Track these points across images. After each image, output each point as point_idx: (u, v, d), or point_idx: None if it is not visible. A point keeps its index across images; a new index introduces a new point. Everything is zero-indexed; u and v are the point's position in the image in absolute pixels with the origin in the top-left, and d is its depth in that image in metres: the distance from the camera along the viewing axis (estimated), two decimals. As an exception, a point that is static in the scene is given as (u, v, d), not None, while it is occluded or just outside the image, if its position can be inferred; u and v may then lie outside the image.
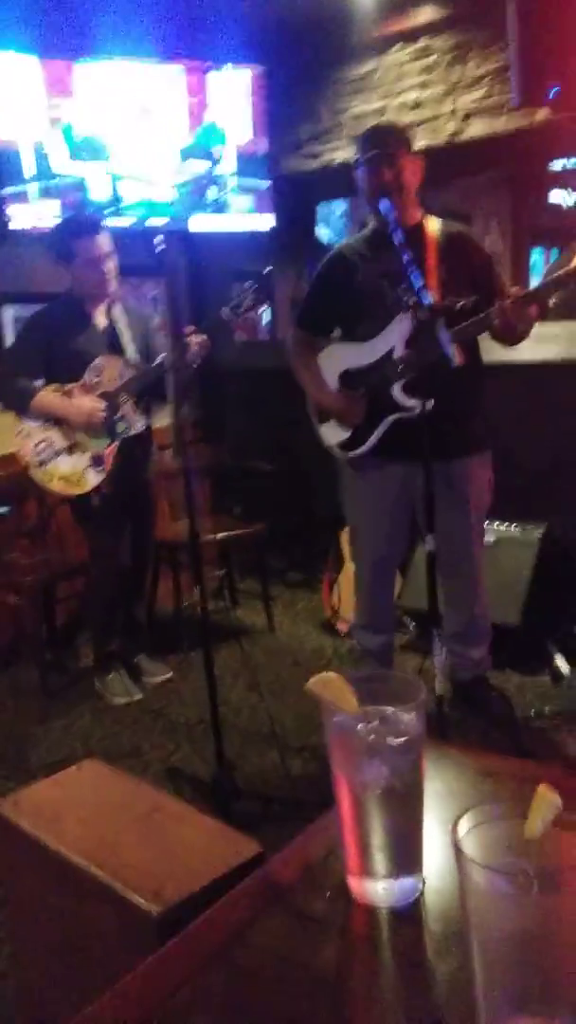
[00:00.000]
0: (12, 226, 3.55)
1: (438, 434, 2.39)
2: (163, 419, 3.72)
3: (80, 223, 3.10)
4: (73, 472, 3.12)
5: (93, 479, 3.13)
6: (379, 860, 0.87)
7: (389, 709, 0.87)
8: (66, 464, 3.12)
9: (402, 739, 0.85)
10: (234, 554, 4.48)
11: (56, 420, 3.11)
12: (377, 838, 0.87)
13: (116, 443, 3.14)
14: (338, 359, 2.79)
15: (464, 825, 0.67)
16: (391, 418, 2.68)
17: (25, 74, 3.47)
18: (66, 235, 3.06)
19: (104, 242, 3.06)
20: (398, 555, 3.08)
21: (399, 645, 3.47)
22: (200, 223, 3.91)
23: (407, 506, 2.81)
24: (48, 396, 3.09)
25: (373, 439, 2.72)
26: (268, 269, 3.46)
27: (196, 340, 2.81)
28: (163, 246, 2.49)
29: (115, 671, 3.43)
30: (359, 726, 0.87)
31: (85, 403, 3.08)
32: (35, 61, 3.48)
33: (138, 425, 3.18)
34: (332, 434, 2.83)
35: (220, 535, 3.84)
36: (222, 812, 2.50)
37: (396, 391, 2.65)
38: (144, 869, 0.97)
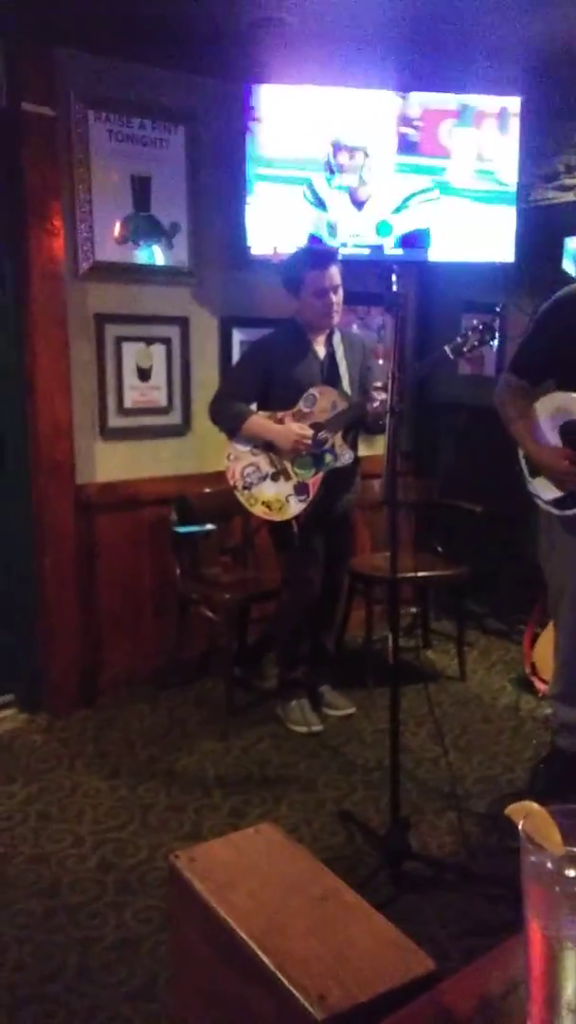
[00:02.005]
0: (254, 252, 3.66)
1: None
2: (374, 448, 3.69)
3: (315, 255, 3.13)
4: (276, 499, 3.15)
5: (295, 507, 3.14)
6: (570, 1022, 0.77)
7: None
8: (270, 490, 3.16)
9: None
10: (431, 593, 4.37)
11: (265, 446, 3.16)
12: (573, 1000, 0.77)
13: (321, 473, 3.14)
14: (560, 409, 2.60)
15: None
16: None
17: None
18: (299, 265, 3.11)
19: (334, 275, 3.08)
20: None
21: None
22: (439, 252, 3.85)
23: None
24: (258, 420, 3.15)
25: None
26: (501, 305, 3.33)
27: (380, 397, 2.84)
28: (397, 284, 2.46)
29: (297, 699, 3.43)
30: (565, 872, 0.77)
31: (293, 429, 3.10)
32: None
33: (344, 458, 3.16)
34: (546, 490, 2.66)
35: (419, 574, 3.75)
36: (391, 869, 2.42)
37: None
38: (311, 965, 0.92)
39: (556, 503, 2.63)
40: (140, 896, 2.38)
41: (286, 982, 0.90)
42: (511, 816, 0.83)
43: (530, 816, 0.81)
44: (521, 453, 2.71)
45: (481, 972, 0.90)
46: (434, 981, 0.94)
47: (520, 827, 0.80)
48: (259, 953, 0.94)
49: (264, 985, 0.92)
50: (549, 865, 0.77)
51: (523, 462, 2.72)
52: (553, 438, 2.60)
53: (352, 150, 3.65)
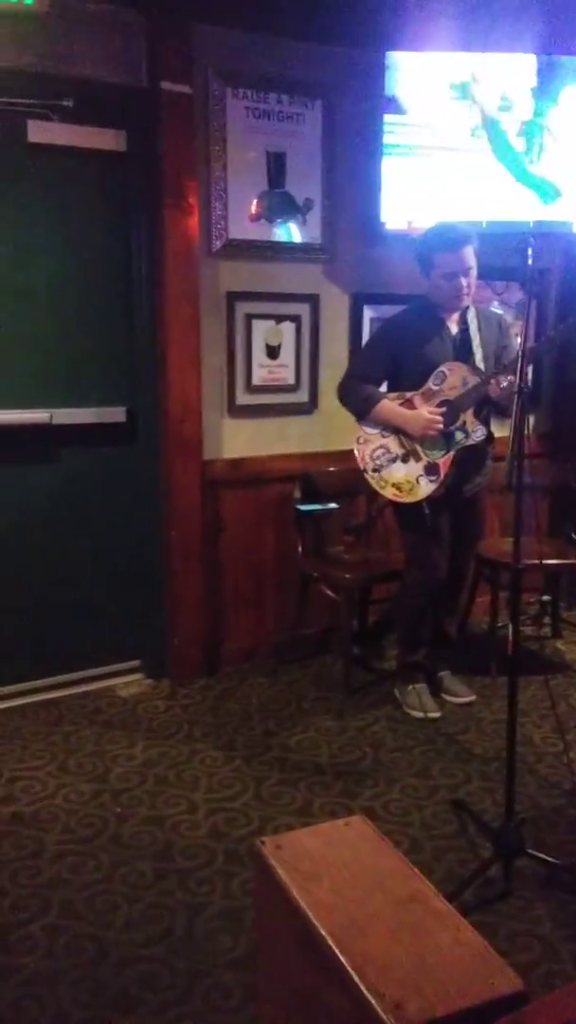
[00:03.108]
0: (389, 226, 3.58)
1: None
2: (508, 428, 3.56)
3: (446, 235, 3.00)
4: (406, 480, 3.09)
5: (426, 488, 3.08)
6: None
7: None
8: (400, 472, 3.10)
9: None
10: (564, 581, 4.20)
11: (395, 428, 3.10)
12: None
13: (452, 453, 3.06)
14: None
15: None
16: None
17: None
18: (430, 245, 3.00)
19: (467, 256, 2.95)
20: None
21: None
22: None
23: None
24: (388, 405, 3.09)
25: None
26: None
27: (502, 382, 2.78)
28: (532, 258, 2.34)
29: (415, 683, 3.38)
30: None
31: (423, 415, 3.02)
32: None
33: (476, 435, 3.05)
34: None
35: (547, 561, 3.61)
36: (504, 864, 2.36)
37: None
38: (390, 970, 0.90)
39: None
40: (248, 868, 2.42)
41: (362, 986, 0.88)
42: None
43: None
44: None
45: (568, 999, 0.86)
46: (520, 1002, 0.90)
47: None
48: (336, 951, 0.92)
49: (339, 983, 0.90)
50: None
51: None
52: None
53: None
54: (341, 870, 1.05)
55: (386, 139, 3.47)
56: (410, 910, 0.99)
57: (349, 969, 0.90)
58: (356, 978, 0.89)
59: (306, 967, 0.99)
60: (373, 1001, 0.87)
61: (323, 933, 0.95)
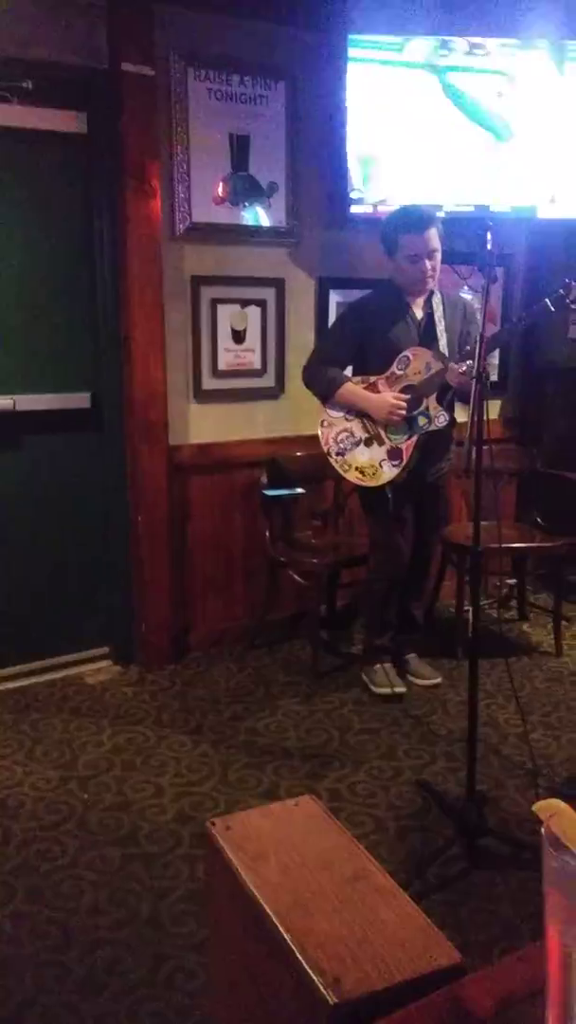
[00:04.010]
0: (353, 210, 3.57)
1: None
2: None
3: (411, 216, 3.00)
4: (370, 464, 3.11)
5: (388, 472, 3.09)
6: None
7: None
8: (364, 456, 3.11)
9: None
10: (532, 565, 4.25)
11: (358, 412, 3.11)
12: (586, 1010, 0.73)
13: (415, 437, 3.07)
14: None
15: None
16: None
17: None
18: (395, 227, 3.00)
19: (432, 238, 2.96)
20: None
21: None
22: (550, 210, 3.67)
23: None
24: (353, 388, 3.09)
25: None
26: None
27: (460, 368, 2.80)
28: (491, 243, 2.35)
29: (382, 663, 3.41)
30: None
31: (387, 399, 3.03)
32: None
33: (439, 421, 3.07)
34: None
35: (512, 545, 3.65)
36: (466, 843, 2.39)
37: None
38: (331, 946, 0.91)
39: None
40: (214, 851, 2.43)
41: (304, 962, 0.89)
42: (538, 813, 0.79)
43: (557, 815, 0.77)
44: None
45: (507, 971, 0.87)
46: (458, 974, 0.91)
47: (543, 827, 0.76)
48: (280, 929, 0.93)
49: (283, 960, 0.91)
50: (570, 870, 0.73)
51: None
52: None
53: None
54: (289, 849, 1.06)
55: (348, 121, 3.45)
56: (355, 888, 1.00)
57: (292, 946, 0.91)
58: (298, 954, 0.90)
59: (253, 946, 1.00)
60: (314, 976, 0.88)
61: (268, 911, 0.96)
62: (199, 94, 3.33)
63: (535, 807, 0.79)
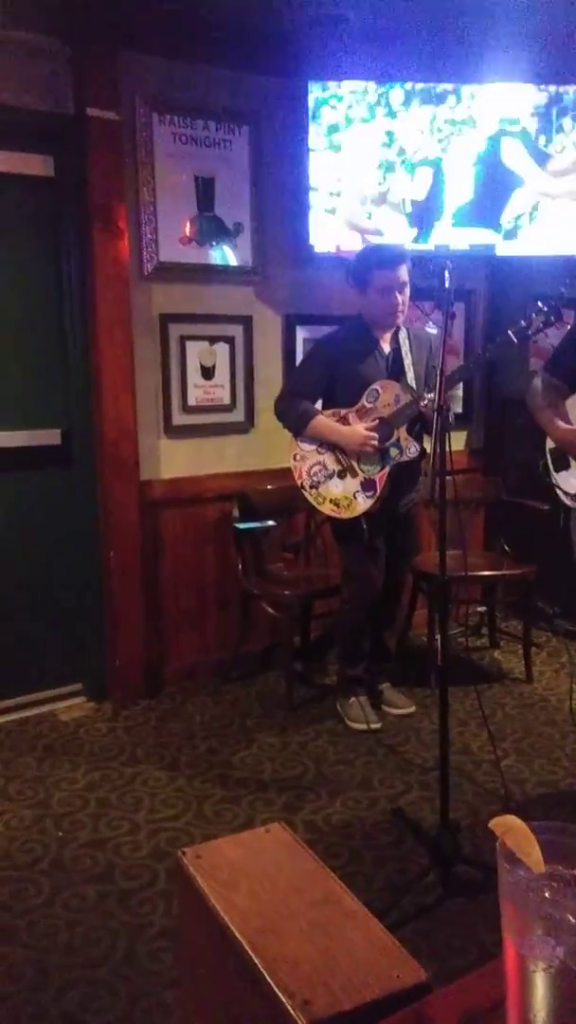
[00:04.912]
0: (317, 249, 3.66)
1: None
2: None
3: (383, 252, 3.10)
4: (344, 496, 3.15)
5: (363, 504, 3.14)
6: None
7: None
8: (337, 488, 3.16)
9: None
10: (501, 592, 4.30)
11: (331, 444, 3.16)
12: (539, 1019, 0.76)
13: (388, 468, 3.13)
14: None
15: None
16: None
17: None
18: (367, 263, 3.08)
19: (403, 273, 3.04)
20: None
21: None
22: (507, 247, 3.78)
23: None
24: (324, 421, 3.15)
25: None
26: (562, 290, 3.24)
27: (423, 402, 2.99)
28: (449, 280, 2.42)
29: (357, 696, 3.43)
30: (538, 891, 0.76)
31: (359, 431, 3.09)
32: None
33: (410, 451, 3.13)
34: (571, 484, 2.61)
35: (480, 573, 3.70)
36: (441, 873, 2.40)
37: None
38: (300, 968, 0.93)
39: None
40: (190, 886, 2.43)
41: (274, 985, 0.91)
42: (493, 829, 0.82)
43: (510, 831, 0.80)
44: (548, 446, 2.66)
45: (469, 988, 0.90)
46: (424, 993, 0.94)
47: (498, 843, 0.79)
48: (250, 953, 0.95)
49: (254, 985, 0.93)
50: (523, 883, 0.76)
51: (548, 456, 2.67)
52: None
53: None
54: (259, 876, 1.08)
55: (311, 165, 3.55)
56: (323, 911, 1.02)
57: (262, 970, 0.93)
58: (268, 977, 0.92)
59: (225, 972, 1.02)
60: (284, 999, 0.90)
61: (238, 936, 0.98)
62: (164, 138, 3.42)
63: (491, 824, 0.82)
